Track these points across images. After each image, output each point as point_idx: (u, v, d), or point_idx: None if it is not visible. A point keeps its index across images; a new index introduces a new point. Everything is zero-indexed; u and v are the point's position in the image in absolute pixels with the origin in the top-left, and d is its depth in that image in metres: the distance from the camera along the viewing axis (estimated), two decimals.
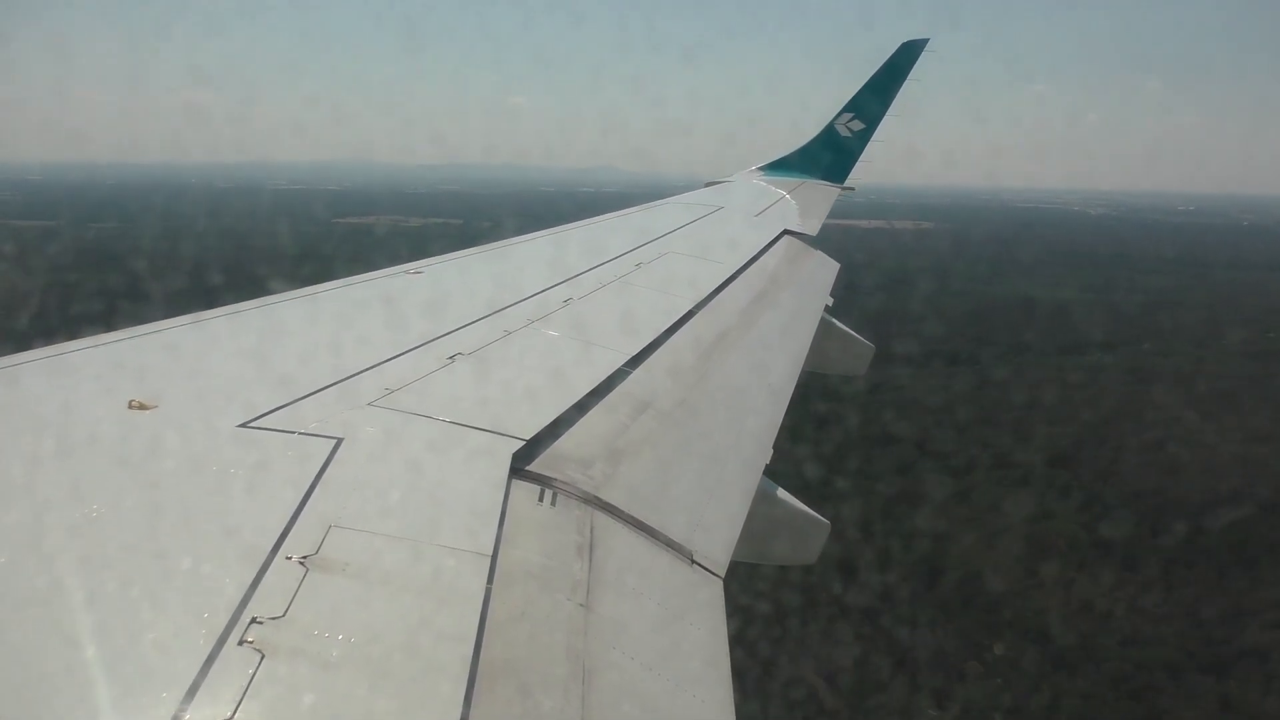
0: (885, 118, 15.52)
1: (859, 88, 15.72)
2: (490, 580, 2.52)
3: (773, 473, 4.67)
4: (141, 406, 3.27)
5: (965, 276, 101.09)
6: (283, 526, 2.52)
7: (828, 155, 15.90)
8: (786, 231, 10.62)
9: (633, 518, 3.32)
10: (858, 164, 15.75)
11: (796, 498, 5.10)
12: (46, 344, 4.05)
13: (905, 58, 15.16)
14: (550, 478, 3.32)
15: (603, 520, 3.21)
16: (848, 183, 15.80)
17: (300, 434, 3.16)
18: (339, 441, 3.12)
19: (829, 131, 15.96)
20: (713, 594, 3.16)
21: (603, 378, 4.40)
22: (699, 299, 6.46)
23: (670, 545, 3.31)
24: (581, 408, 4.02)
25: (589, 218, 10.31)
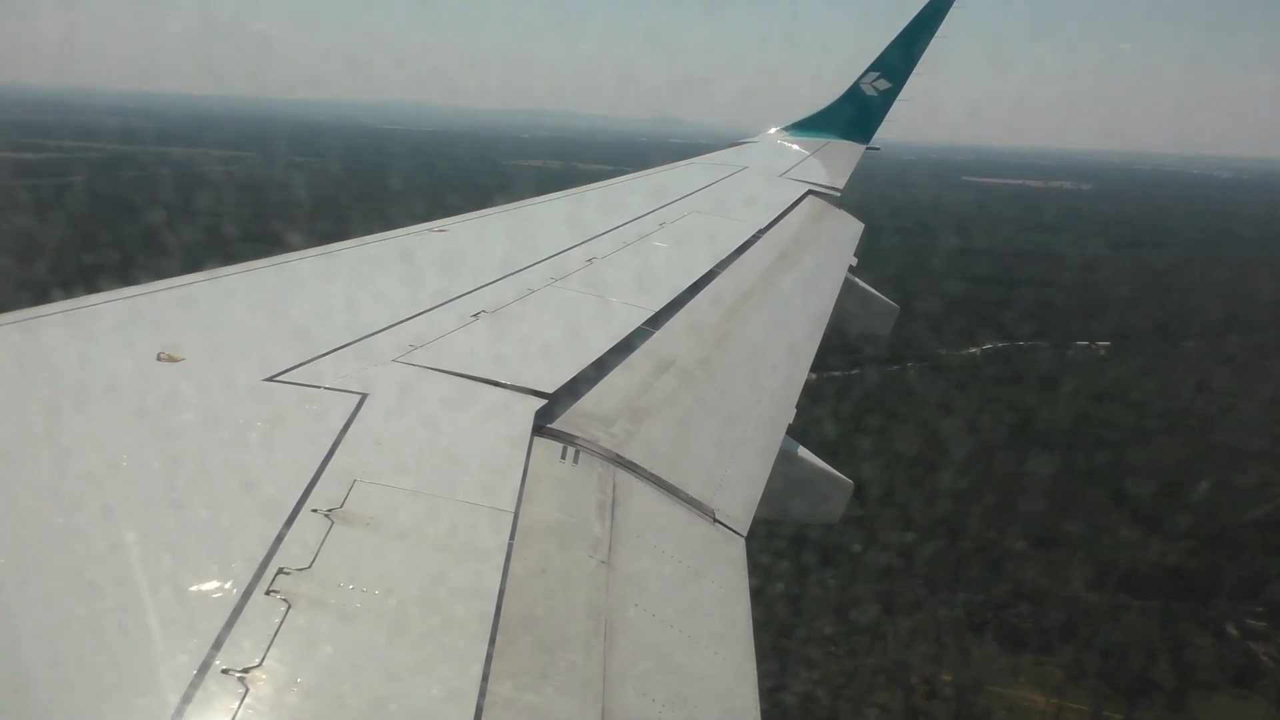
0: (911, 76, 15.27)
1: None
2: (512, 536, 2.53)
3: (798, 431, 4.65)
4: (170, 359, 3.29)
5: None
6: (308, 480, 2.54)
7: (852, 115, 15.70)
8: (811, 191, 10.54)
9: (655, 476, 3.32)
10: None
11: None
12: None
13: (933, 14, 14.87)
14: (573, 435, 3.32)
15: (625, 478, 3.21)
16: (873, 142, 15.61)
17: (325, 389, 3.18)
18: (364, 397, 3.14)
19: (854, 91, 15.73)
20: (734, 552, 3.17)
21: (626, 336, 4.39)
22: (722, 258, 6.42)
23: (692, 503, 3.31)
24: (604, 366, 4.01)
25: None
